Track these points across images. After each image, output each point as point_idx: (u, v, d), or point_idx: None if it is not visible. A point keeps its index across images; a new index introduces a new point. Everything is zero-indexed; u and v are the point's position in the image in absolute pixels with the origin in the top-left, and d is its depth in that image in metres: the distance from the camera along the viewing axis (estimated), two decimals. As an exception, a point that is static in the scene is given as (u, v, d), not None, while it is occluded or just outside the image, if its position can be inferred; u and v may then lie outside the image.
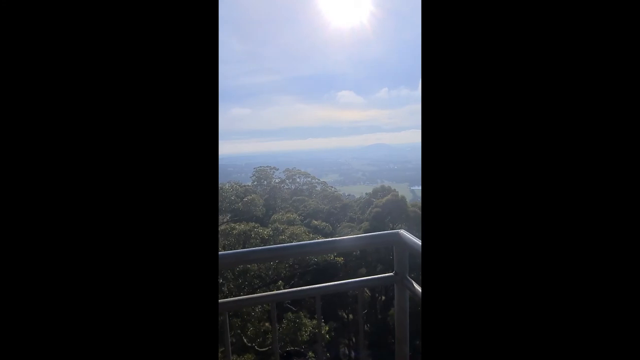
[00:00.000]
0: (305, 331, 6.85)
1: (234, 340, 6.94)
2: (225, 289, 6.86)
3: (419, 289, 1.06)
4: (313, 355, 7.22)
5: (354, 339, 11.45)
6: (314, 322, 7.05)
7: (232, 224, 8.15)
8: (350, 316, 11.50)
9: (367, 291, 11.43)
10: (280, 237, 7.85)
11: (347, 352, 11.35)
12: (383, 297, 11.72)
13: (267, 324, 7.32)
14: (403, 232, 1.11)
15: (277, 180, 16.24)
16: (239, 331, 6.85)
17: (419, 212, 11.66)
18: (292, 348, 7.15)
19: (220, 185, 10.75)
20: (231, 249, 7.15)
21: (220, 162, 77.06)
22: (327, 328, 7.77)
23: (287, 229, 8.20)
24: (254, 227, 7.86)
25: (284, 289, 5.18)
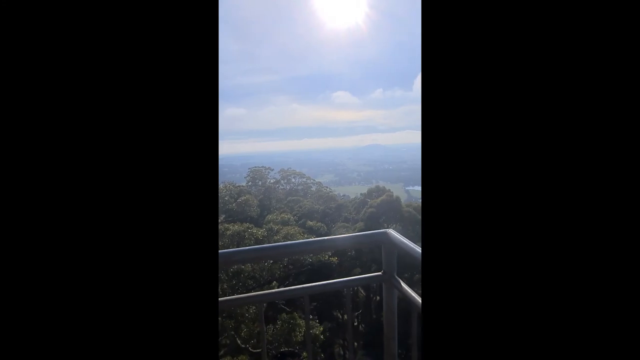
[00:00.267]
0: (300, 332, 6.83)
1: (227, 341, 6.90)
2: (219, 289, 6.82)
3: (407, 288, 1.06)
4: (307, 355, 7.21)
5: (348, 339, 11.45)
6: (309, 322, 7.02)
7: (226, 225, 8.10)
8: (345, 317, 11.51)
9: (362, 291, 11.45)
10: (275, 237, 7.82)
11: (341, 352, 11.34)
12: (377, 297, 11.74)
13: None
14: (391, 231, 1.11)
15: (272, 181, 16.21)
16: (232, 332, 6.80)
17: (414, 212, 11.72)
18: (287, 349, 7.13)
19: (214, 186, 10.68)
20: (225, 250, 7.08)
21: (216, 162, 77.33)
22: (321, 328, 7.75)
23: (281, 229, 8.18)
24: (248, 227, 7.82)
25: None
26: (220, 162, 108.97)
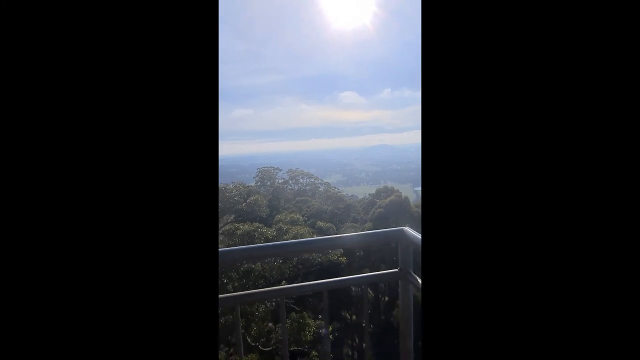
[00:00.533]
0: (309, 331, 6.87)
1: (234, 340, 6.96)
2: (230, 287, 6.91)
3: (423, 284, 1.08)
4: (317, 354, 7.23)
5: (357, 340, 11.45)
6: (318, 322, 7.06)
7: (237, 224, 8.20)
8: (354, 317, 11.49)
9: (371, 292, 11.41)
10: (284, 237, 7.88)
11: (350, 352, 11.34)
12: (386, 298, 11.71)
13: (270, 324, 7.35)
14: (407, 229, 1.14)
15: (280, 181, 16.24)
16: (242, 331, 6.88)
17: (423, 212, 11.59)
18: (296, 348, 7.17)
19: (224, 186, 10.81)
20: (235, 249, 7.14)
21: (223, 163, 75.44)
22: (330, 328, 7.79)
23: (290, 229, 8.23)
24: (258, 227, 7.90)
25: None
26: (228, 162, 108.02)
